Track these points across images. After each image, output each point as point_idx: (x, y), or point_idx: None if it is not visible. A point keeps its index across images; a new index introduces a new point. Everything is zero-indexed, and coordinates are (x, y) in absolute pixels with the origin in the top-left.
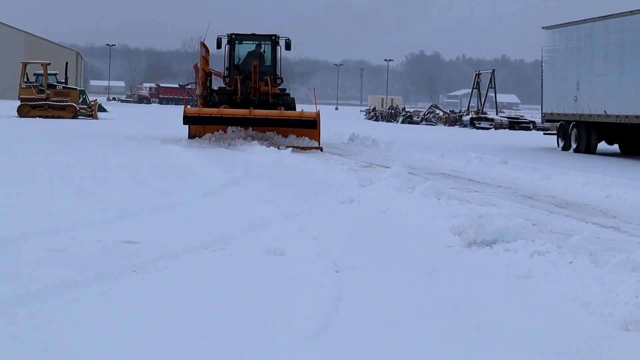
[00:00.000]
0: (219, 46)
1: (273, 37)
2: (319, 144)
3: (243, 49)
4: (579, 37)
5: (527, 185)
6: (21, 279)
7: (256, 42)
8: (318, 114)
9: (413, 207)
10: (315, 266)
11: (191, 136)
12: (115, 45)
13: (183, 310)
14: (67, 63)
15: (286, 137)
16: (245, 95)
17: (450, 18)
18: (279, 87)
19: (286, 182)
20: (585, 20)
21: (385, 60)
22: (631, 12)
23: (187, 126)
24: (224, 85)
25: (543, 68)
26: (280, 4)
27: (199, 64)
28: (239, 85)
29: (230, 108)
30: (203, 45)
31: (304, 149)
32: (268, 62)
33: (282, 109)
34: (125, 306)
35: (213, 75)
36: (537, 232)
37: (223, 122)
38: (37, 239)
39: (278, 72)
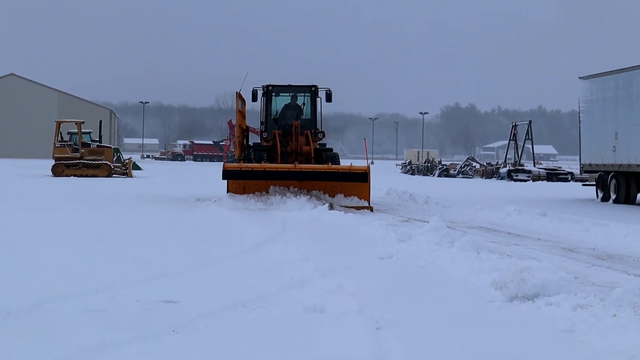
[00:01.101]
0: (254, 99)
1: (312, 88)
2: (369, 203)
3: (280, 102)
4: (616, 86)
5: (567, 238)
6: (60, 341)
7: (295, 94)
8: (369, 167)
9: (453, 261)
10: (356, 323)
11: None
12: (148, 102)
13: None
14: (100, 121)
15: (334, 196)
16: (285, 157)
17: (484, 69)
18: (320, 141)
19: (324, 238)
20: (622, 69)
21: (421, 113)
22: None
23: (224, 184)
24: (259, 142)
25: (581, 118)
26: (313, 59)
27: (233, 120)
28: (277, 141)
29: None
30: (239, 96)
31: (356, 208)
32: (307, 116)
33: (330, 163)
34: None
35: (250, 132)
36: (579, 285)
37: (266, 177)
38: (75, 300)
39: (318, 126)
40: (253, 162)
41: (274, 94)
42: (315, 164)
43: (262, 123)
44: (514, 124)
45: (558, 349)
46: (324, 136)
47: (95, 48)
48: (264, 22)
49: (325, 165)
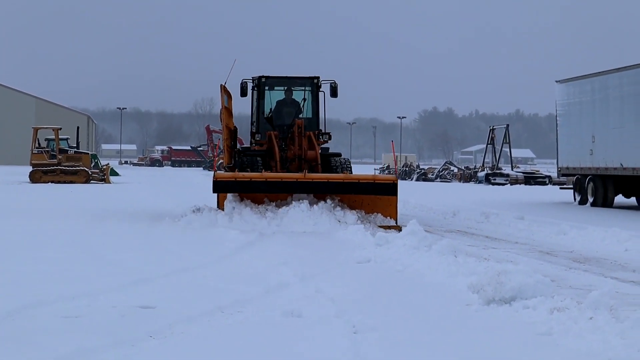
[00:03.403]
0: (243, 93)
1: (314, 81)
2: (397, 222)
3: (275, 97)
4: (592, 90)
5: (545, 241)
6: (38, 347)
7: (292, 88)
8: (397, 177)
9: (430, 265)
10: (333, 328)
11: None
12: (126, 108)
13: None
14: (78, 127)
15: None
16: (286, 162)
17: (462, 73)
18: (323, 145)
19: (301, 243)
20: (598, 73)
21: (399, 117)
22: None
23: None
24: (248, 145)
25: (558, 122)
26: (288, 64)
27: (211, 125)
28: (275, 145)
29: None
30: (224, 90)
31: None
32: (308, 114)
33: (347, 172)
34: None
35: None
36: (556, 288)
37: (269, 189)
38: (53, 306)
39: (322, 127)
40: (247, 170)
41: (267, 87)
42: (322, 172)
43: (252, 123)
44: (491, 127)
45: (535, 351)
46: (329, 139)
47: (73, 54)
48: (240, 27)
49: (342, 175)
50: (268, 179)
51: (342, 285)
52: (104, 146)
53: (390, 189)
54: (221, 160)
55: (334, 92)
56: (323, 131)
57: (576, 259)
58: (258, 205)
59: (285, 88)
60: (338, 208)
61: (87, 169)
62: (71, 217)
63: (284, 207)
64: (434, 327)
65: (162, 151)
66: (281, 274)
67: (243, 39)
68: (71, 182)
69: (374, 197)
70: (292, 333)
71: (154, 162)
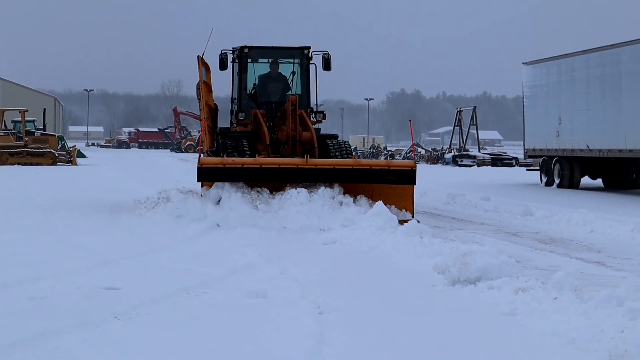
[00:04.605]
0: (223, 66)
1: (305, 52)
2: (413, 215)
3: (260, 70)
4: (559, 72)
5: (511, 222)
6: (1, 328)
7: (279, 60)
8: (415, 163)
9: (396, 246)
10: (299, 308)
11: None
12: (93, 90)
13: (165, 356)
14: (44, 109)
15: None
16: (278, 146)
17: (430, 55)
18: (315, 125)
19: (267, 224)
20: (565, 55)
21: (366, 99)
22: (612, 46)
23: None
24: (228, 126)
25: (524, 104)
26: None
27: (179, 107)
28: (263, 125)
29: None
30: (202, 62)
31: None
32: (297, 90)
33: (355, 158)
34: (107, 353)
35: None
36: (521, 268)
37: (265, 177)
38: (17, 288)
39: (313, 105)
40: (234, 155)
41: (250, 59)
42: (319, 156)
43: (232, 100)
44: (458, 109)
45: (499, 332)
46: (324, 118)
47: (39, 35)
48: (206, 7)
49: (351, 160)
50: (263, 165)
51: (308, 266)
52: (71, 128)
53: (407, 177)
54: (188, 143)
55: (326, 65)
56: (315, 109)
57: (542, 240)
58: (251, 189)
59: (271, 60)
60: (347, 196)
61: (53, 151)
62: (36, 199)
63: (278, 196)
64: (399, 307)
65: (130, 133)
66: (246, 255)
67: (210, 19)
68: (38, 164)
69: (386, 186)
70: (257, 314)
71: (121, 144)
